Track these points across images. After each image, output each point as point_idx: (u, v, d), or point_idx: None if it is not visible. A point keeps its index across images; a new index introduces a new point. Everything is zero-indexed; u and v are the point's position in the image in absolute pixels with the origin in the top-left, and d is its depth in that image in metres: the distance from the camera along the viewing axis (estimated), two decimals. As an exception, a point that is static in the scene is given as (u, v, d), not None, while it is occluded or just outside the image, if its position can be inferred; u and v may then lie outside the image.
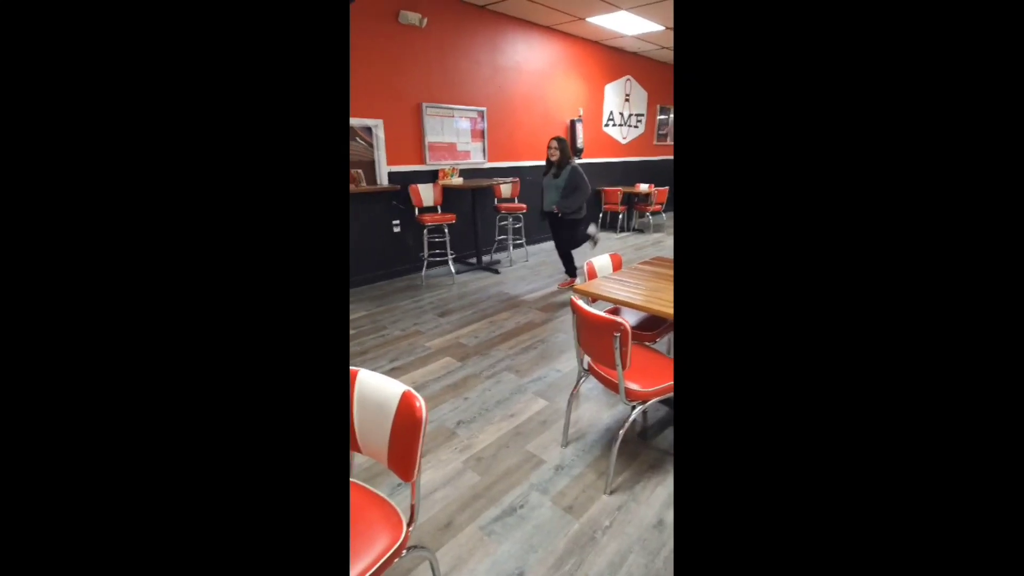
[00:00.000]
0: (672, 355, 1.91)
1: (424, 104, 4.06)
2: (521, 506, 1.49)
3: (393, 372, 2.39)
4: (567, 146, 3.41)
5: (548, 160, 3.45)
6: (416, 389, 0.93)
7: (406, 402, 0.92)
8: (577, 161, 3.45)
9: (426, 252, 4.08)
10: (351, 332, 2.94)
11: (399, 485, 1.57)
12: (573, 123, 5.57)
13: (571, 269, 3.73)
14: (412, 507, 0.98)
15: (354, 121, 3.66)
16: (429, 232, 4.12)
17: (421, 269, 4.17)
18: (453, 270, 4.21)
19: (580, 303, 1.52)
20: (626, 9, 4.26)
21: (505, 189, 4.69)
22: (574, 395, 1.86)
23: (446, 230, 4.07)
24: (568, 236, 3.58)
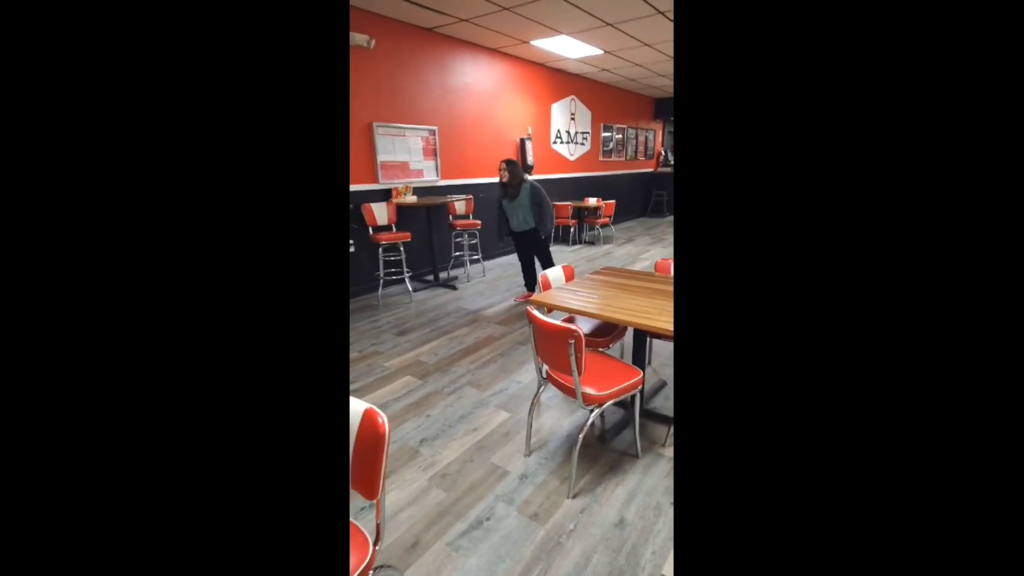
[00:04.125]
0: (624, 359, 2.00)
1: (375, 124, 4.06)
2: (487, 518, 1.50)
3: (353, 394, 2.33)
4: (517, 166, 3.47)
5: (501, 183, 3.49)
6: (373, 406, 0.94)
7: (368, 420, 0.92)
8: (528, 177, 3.55)
9: (382, 271, 4.03)
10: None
11: (363, 508, 1.54)
12: (523, 141, 5.74)
13: (532, 283, 3.81)
14: (378, 526, 0.98)
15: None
16: (384, 251, 4.07)
17: (377, 289, 4.10)
18: (410, 288, 4.17)
19: (536, 313, 1.58)
20: (567, 34, 4.49)
21: (460, 206, 4.73)
22: (535, 404, 1.91)
23: (402, 248, 4.05)
24: (538, 252, 3.64)
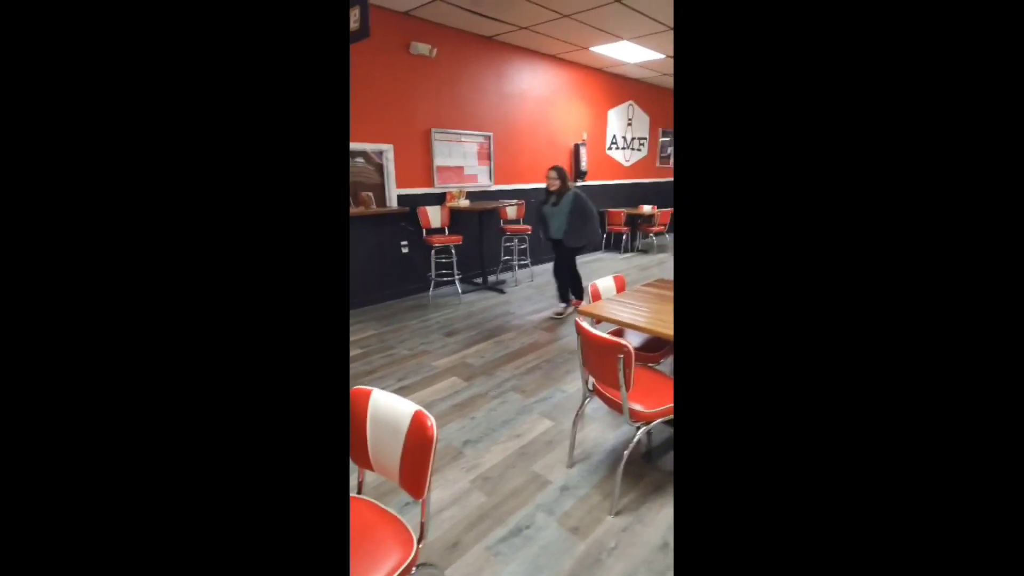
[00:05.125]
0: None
1: (433, 130, 4.20)
2: (527, 527, 1.50)
3: (401, 391, 2.42)
4: (566, 174, 3.44)
5: (547, 190, 3.48)
6: (423, 408, 0.97)
7: (418, 421, 0.96)
8: (580, 183, 3.51)
9: (433, 272, 4.15)
10: (360, 351, 2.98)
11: (407, 504, 1.59)
12: (577, 147, 5.70)
13: (564, 295, 3.71)
14: (422, 524, 1.01)
15: (365, 146, 3.79)
16: (436, 253, 4.20)
17: (428, 289, 4.24)
18: (460, 290, 4.26)
19: (584, 325, 1.56)
20: (628, 39, 4.42)
21: (511, 211, 4.78)
22: (579, 416, 1.88)
23: (453, 251, 4.15)
24: (570, 262, 3.60)
